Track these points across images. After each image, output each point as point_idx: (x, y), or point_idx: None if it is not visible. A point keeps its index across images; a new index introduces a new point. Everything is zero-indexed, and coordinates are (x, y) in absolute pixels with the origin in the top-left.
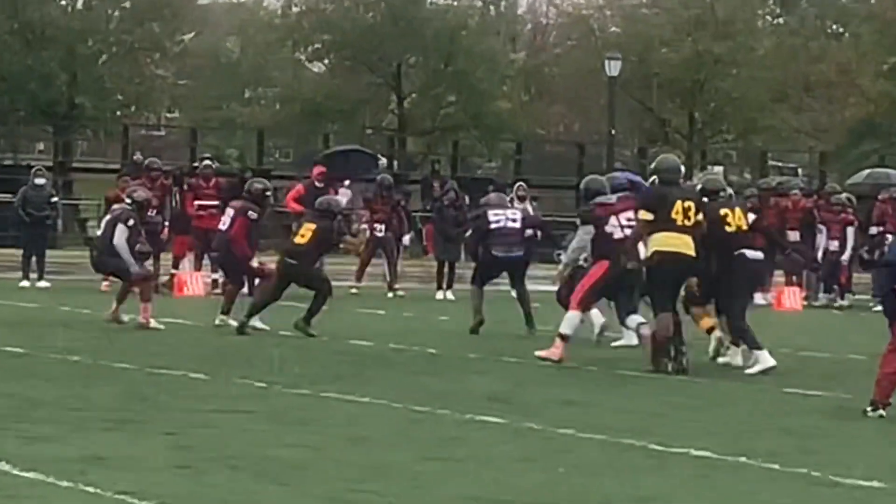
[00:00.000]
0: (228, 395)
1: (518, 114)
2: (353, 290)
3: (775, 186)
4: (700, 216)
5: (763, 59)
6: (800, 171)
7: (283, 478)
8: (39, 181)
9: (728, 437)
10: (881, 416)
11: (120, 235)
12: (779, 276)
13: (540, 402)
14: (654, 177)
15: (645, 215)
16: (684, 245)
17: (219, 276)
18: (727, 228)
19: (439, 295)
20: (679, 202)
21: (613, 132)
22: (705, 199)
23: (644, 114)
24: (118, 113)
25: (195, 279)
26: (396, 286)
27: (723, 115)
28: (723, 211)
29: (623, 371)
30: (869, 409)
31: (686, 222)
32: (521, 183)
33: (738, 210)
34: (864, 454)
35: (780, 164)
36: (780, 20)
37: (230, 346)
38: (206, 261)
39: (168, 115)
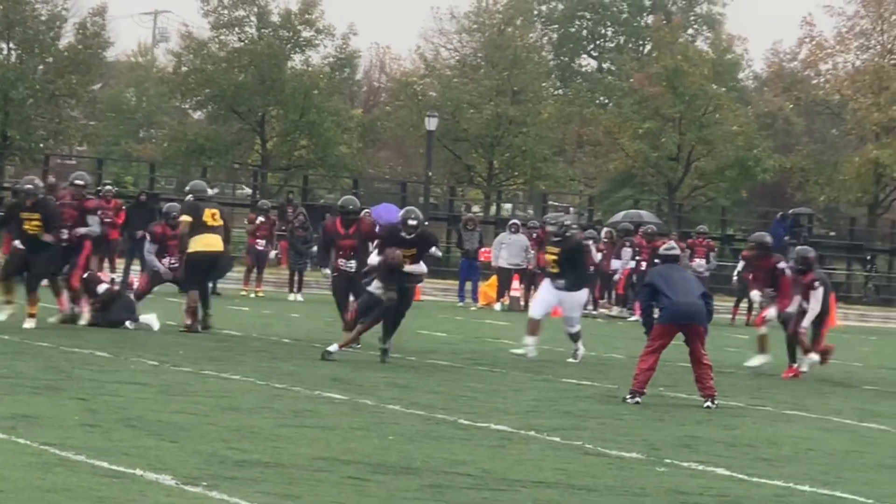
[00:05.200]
0: (127, 370)
1: (355, 157)
2: (242, 292)
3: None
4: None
5: (546, 122)
6: (572, 209)
7: (172, 436)
8: None
9: (520, 415)
10: (637, 402)
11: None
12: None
13: (372, 383)
14: (190, 195)
15: (186, 219)
16: (215, 243)
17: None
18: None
19: (291, 297)
20: (207, 210)
21: (430, 174)
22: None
23: (454, 161)
24: (41, 145)
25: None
26: (258, 289)
27: (515, 164)
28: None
29: (435, 361)
30: (628, 396)
31: (214, 223)
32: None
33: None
34: (625, 432)
35: (556, 203)
36: (560, 91)
37: (128, 334)
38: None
39: (79, 148)
